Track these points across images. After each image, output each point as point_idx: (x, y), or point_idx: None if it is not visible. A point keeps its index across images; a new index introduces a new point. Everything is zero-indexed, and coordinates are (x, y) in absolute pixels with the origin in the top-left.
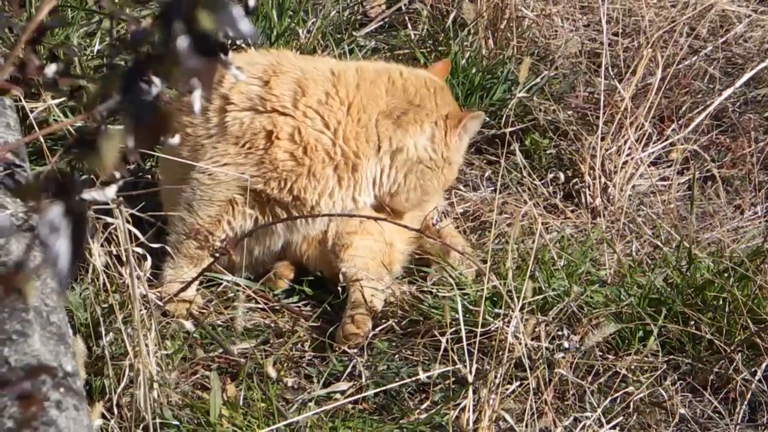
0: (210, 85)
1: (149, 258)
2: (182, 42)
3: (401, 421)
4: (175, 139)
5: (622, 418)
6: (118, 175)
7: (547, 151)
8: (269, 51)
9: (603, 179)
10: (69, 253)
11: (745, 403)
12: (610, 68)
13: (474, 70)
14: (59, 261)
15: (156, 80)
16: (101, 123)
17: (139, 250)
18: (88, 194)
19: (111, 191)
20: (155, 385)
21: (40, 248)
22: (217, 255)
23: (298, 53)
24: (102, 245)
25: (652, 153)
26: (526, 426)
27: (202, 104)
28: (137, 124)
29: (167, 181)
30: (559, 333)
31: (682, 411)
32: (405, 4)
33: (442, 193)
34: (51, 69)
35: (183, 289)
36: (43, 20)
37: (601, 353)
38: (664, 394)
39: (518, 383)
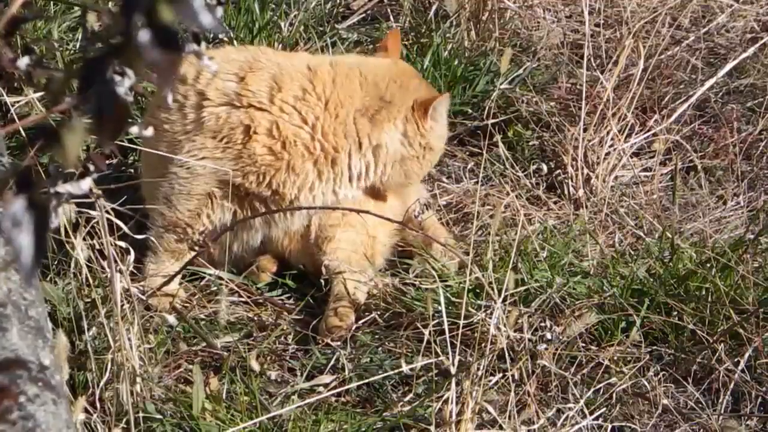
0: (173, 78)
1: (132, 252)
2: (143, 35)
3: (384, 414)
4: (149, 131)
5: (604, 409)
6: (92, 168)
7: (530, 143)
8: (247, 47)
9: (585, 170)
10: (32, 246)
11: (728, 393)
12: (592, 59)
13: (456, 62)
14: (22, 254)
15: (129, 72)
16: (66, 114)
17: (123, 244)
18: (63, 187)
19: (86, 184)
20: (138, 379)
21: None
22: (196, 249)
23: (280, 47)
24: (84, 239)
25: (635, 144)
26: (509, 418)
27: (179, 100)
28: (99, 116)
29: (148, 176)
30: (542, 324)
31: (665, 401)
32: None
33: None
34: (23, 61)
35: (166, 283)
36: (18, 12)
37: (583, 344)
38: (646, 384)
39: (501, 375)
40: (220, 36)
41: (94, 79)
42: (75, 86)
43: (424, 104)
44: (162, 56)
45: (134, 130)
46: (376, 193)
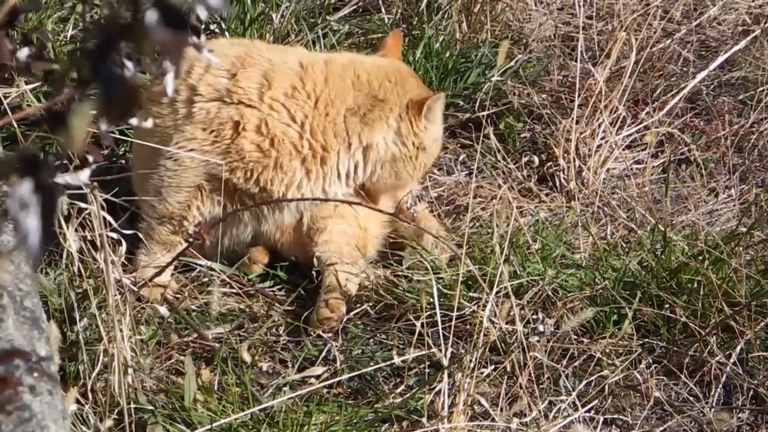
0: (180, 60)
1: (124, 243)
2: (150, 15)
3: (376, 406)
4: (148, 123)
5: (596, 401)
6: (91, 159)
7: (522, 135)
8: (241, 41)
9: (577, 162)
10: (39, 230)
11: (720, 386)
12: (584, 51)
13: (448, 54)
14: (29, 238)
15: (129, 63)
16: (71, 98)
17: (114, 235)
18: (62, 178)
19: (84, 175)
20: (130, 370)
21: (12, 227)
22: (191, 240)
23: (271, 39)
24: (76, 230)
25: (627, 136)
26: (501, 410)
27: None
28: (106, 98)
29: (139, 168)
30: (534, 317)
31: (657, 394)
32: None
33: (421, 175)
34: (24, 53)
35: (157, 274)
36: (17, 4)
37: (575, 336)
38: (638, 377)
39: (493, 367)
40: (212, 27)
41: (104, 60)
42: (76, 75)
43: (419, 103)
44: (170, 36)
45: (134, 121)
46: (367, 193)
